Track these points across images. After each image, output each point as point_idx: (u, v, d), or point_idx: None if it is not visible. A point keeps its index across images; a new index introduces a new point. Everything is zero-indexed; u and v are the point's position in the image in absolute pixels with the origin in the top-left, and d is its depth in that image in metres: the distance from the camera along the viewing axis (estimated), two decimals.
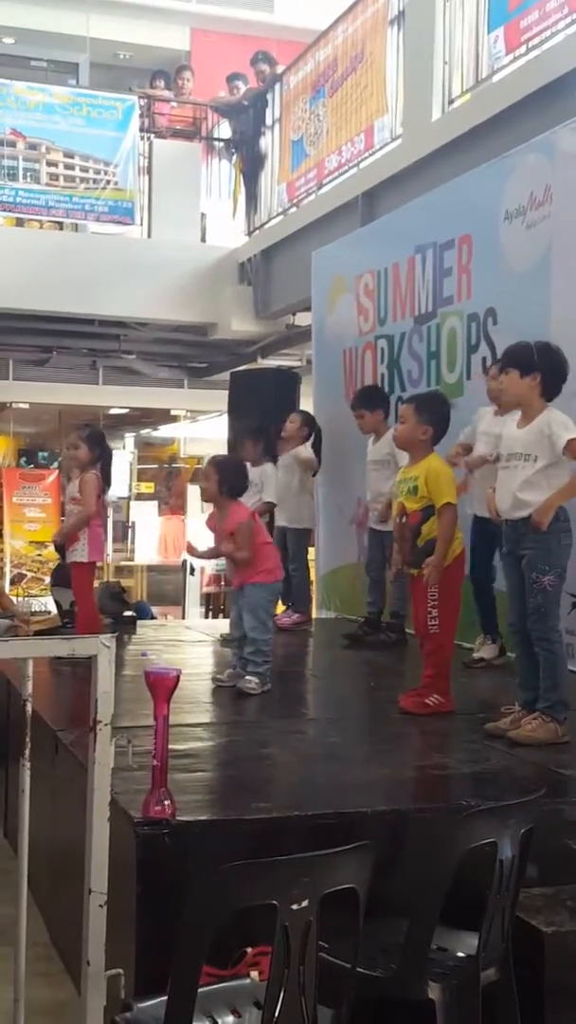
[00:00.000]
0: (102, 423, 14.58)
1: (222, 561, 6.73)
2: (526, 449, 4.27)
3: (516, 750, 4.14)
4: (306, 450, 7.63)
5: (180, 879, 2.93)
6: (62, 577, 9.91)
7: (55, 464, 15.40)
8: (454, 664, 5.07)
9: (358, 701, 5.64)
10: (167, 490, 16.24)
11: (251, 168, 11.42)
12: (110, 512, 8.16)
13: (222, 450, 8.52)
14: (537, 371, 4.30)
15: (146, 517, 15.41)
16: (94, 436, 6.51)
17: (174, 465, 15.95)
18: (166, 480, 16.47)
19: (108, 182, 10.81)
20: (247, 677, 5.20)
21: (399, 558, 5.00)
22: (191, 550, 6.32)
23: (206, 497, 5.59)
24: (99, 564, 6.99)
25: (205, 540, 5.79)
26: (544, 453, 4.22)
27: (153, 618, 9.34)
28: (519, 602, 4.35)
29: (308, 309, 9.35)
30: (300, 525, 7.67)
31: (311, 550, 8.32)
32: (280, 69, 10.97)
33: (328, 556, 8.51)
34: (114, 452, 7.05)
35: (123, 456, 16.15)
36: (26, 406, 13.90)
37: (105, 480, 6.35)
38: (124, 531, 15.29)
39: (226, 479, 5.29)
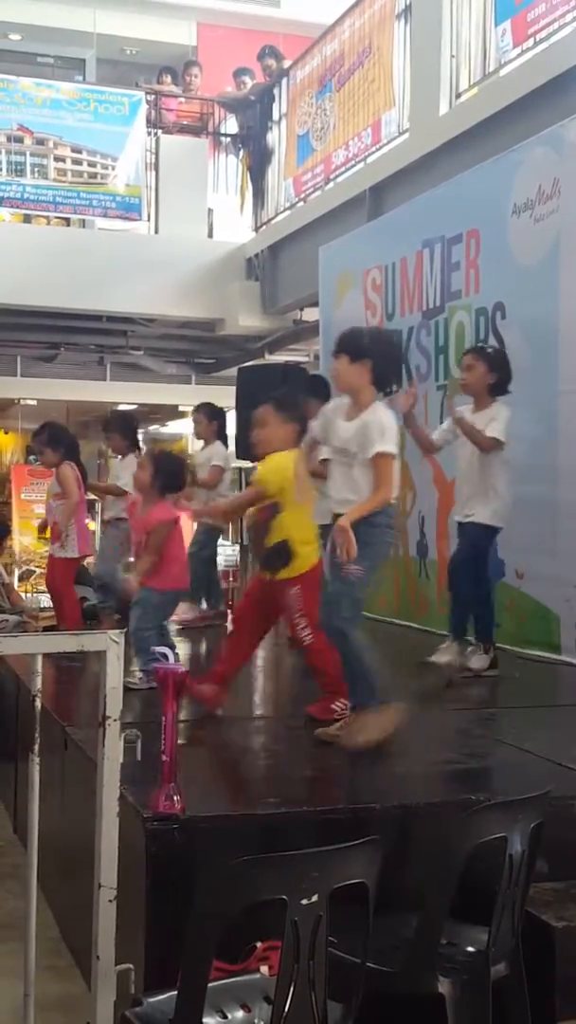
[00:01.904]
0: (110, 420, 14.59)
1: (232, 556, 6.72)
2: (348, 445, 4.07)
3: (526, 744, 4.14)
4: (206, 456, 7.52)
5: (190, 874, 2.93)
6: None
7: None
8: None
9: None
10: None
11: (258, 163, 11.41)
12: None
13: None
14: (368, 358, 4.12)
15: None
16: (53, 435, 6.52)
17: None
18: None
19: (115, 178, 10.81)
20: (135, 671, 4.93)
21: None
22: None
23: (138, 486, 5.34)
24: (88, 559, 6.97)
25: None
26: (361, 452, 4.02)
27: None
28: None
29: (315, 304, 9.35)
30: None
31: None
32: (287, 64, 10.96)
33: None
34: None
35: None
36: (34, 402, 13.90)
37: (79, 470, 6.35)
38: None
39: (161, 474, 5.09)
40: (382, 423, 4.00)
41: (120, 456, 7.04)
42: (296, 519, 4.42)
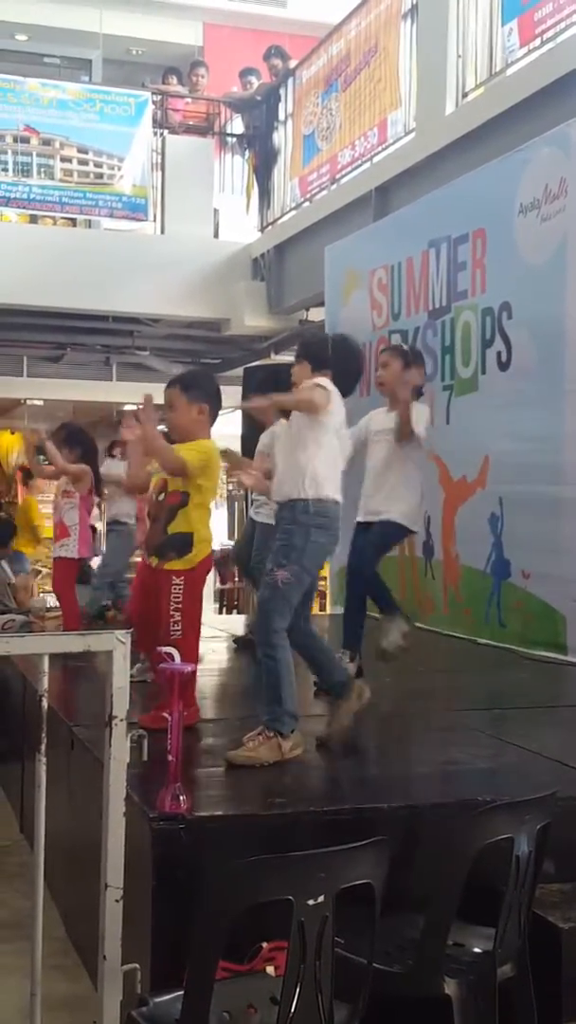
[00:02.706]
0: (116, 419, 14.59)
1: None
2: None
3: (532, 745, 4.13)
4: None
5: (196, 874, 2.94)
6: (79, 574, 9.96)
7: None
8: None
9: (373, 696, 5.62)
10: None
11: (264, 163, 11.41)
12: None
13: (235, 445, 8.49)
14: (328, 368, 4.10)
15: None
16: (71, 436, 6.53)
17: None
18: None
19: (121, 178, 10.82)
20: None
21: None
22: None
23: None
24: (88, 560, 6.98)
25: (218, 534, 5.77)
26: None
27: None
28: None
29: (321, 304, 9.34)
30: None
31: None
32: (293, 64, 10.96)
33: (339, 553, 8.49)
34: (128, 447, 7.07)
35: None
36: (40, 403, 13.92)
37: (92, 469, 6.37)
38: None
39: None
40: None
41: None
42: (202, 514, 4.28)
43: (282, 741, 3.80)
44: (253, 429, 8.05)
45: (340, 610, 8.44)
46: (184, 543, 4.17)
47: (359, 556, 5.36)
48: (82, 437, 6.55)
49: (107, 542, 7.32)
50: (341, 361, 4.19)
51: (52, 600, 9.29)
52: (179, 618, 4.13)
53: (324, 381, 4.00)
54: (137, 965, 2.67)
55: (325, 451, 3.98)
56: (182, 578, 4.15)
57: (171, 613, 4.12)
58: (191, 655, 4.06)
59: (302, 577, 3.89)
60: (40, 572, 14.00)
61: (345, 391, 4.11)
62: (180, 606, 4.13)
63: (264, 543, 6.82)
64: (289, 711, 3.82)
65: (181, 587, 4.14)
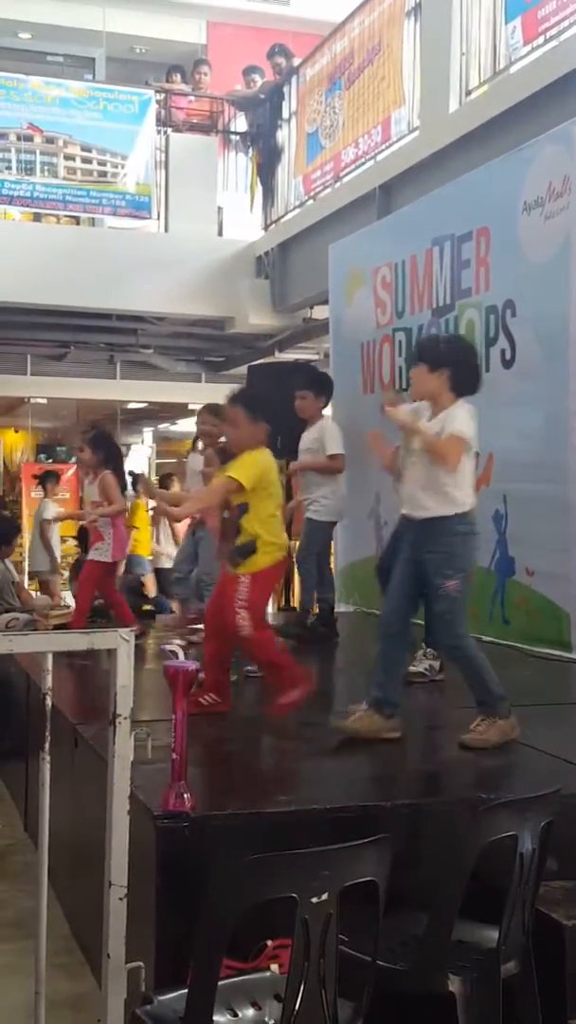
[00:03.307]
0: (120, 418, 14.61)
1: None
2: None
3: (536, 742, 4.13)
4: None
5: (200, 872, 2.94)
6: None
7: (73, 459, 15.43)
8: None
9: None
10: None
11: (268, 161, 11.40)
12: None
13: None
14: (445, 366, 4.15)
15: None
16: (98, 438, 6.55)
17: None
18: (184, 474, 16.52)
19: (125, 176, 10.82)
20: None
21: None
22: None
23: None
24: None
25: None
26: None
27: (171, 612, 9.35)
28: (401, 599, 4.23)
29: (325, 302, 9.34)
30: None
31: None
32: (297, 62, 10.95)
33: (347, 549, 8.50)
34: (133, 447, 7.10)
35: (142, 451, 16.14)
36: (44, 401, 13.94)
37: (118, 479, 6.40)
38: None
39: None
40: (459, 417, 4.08)
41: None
42: (264, 519, 4.49)
43: (504, 722, 4.05)
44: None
45: (342, 608, 8.47)
46: (249, 550, 4.45)
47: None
48: (108, 442, 6.60)
49: (200, 549, 7.07)
50: (457, 357, 4.24)
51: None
52: (245, 615, 4.38)
53: (462, 426, 4.05)
54: (141, 963, 2.67)
55: (464, 465, 4.11)
56: (247, 579, 4.42)
57: (238, 611, 4.39)
58: (270, 649, 4.54)
59: (467, 581, 4.12)
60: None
61: (468, 388, 4.19)
62: (244, 604, 4.39)
63: (312, 537, 6.81)
64: (499, 694, 4.08)
65: (246, 587, 4.41)
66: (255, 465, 4.48)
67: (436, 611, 4.18)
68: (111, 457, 6.50)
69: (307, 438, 6.75)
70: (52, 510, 11.58)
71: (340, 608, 8.43)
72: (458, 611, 4.11)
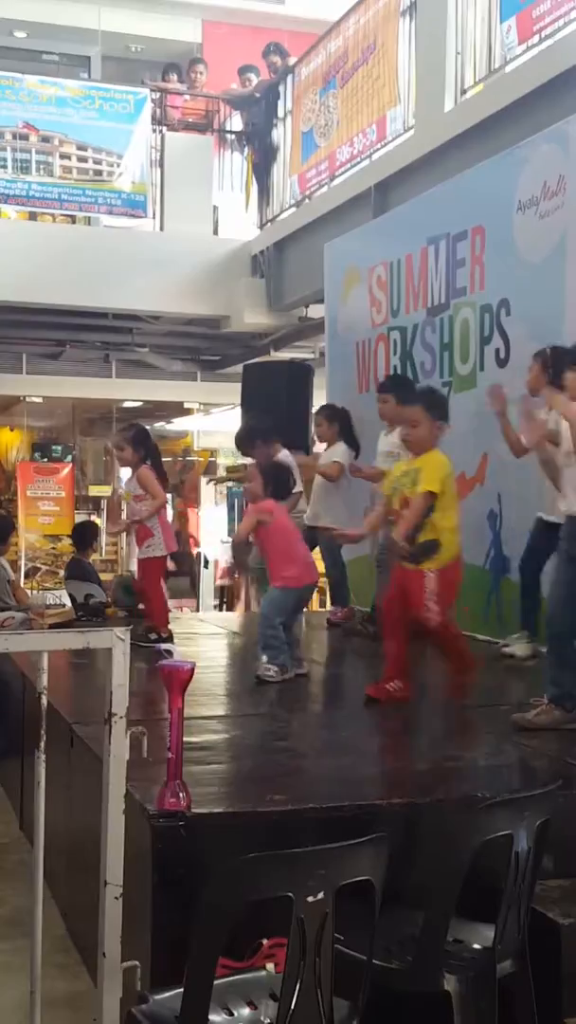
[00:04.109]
0: (115, 416, 14.60)
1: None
2: None
3: (532, 742, 4.14)
4: (328, 457, 7.47)
5: (195, 871, 2.94)
6: (76, 570, 9.98)
7: (69, 458, 15.44)
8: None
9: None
10: (180, 483, 16.28)
11: (263, 160, 11.40)
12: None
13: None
14: None
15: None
16: (138, 436, 6.54)
17: (188, 458, 15.95)
18: (180, 473, 16.51)
19: (120, 175, 10.81)
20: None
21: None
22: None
23: (250, 496, 5.76)
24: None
25: (218, 532, 5.87)
26: None
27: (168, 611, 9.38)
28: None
29: (321, 301, 9.34)
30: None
31: None
32: (292, 61, 10.95)
33: (344, 549, 8.50)
34: None
35: None
36: (40, 400, 13.92)
37: (158, 474, 6.38)
38: None
39: (271, 483, 5.54)
40: None
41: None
42: (446, 516, 4.74)
43: (562, 714, 4.22)
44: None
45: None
46: (432, 548, 4.69)
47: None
48: (148, 442, 6.59)
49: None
50: None
51: (51, 598, 9.30)
52: (433, 608, 4.66)
53: None
54: (137, 962, 2.68)
55: None
56: (435, 574, 4.68)
57: (426, 603, 4.66)
58: (457, 641, 4.92)
59: None
60: (40, 569, 14.04)
61: None
62: (433, 598, 4.67)
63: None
64: (572, 693, 4.26)
65: (435, 579, 4.67)
66: (442, 469, 4.77)
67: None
68: (149, 454, 6.50)
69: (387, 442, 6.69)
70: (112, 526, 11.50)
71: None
72: None
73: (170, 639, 6.13)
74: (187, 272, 10.92)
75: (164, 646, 3.53)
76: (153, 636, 6.10)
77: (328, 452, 7.30)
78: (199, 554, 13.64)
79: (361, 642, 6.72)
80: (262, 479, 5.53)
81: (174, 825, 3.05)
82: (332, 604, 7.74)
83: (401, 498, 4.92)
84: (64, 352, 12.38)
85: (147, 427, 7.32)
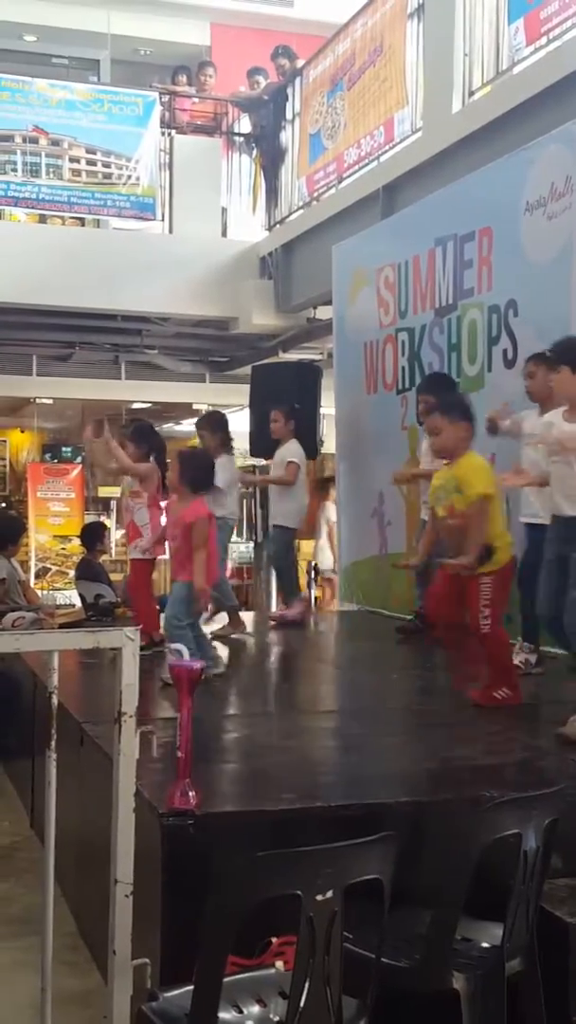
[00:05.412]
0: (125, 418, 14.62)
1: (246, 553, 6.73)
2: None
3: (540, 740, 4.14)
4: (281, 457, 7.57)
5: (205, 869, 2.95)
6: (86, 571, 10.01)
7: (79, 459, 15.46)
8: None
9: (381, 693, 5.66)
10: None
11: (271, 162, 11.42)
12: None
13: (244, 442, 8.53)
14: None
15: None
16: (140, 431, 6.47)
17: None
18: None
19: (129, 177, 10.84)
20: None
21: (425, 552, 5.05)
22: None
23: (170, 485, 5.68)
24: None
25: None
26: None
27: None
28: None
29: (329, 303, 9.35)
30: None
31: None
32: (300, 63, 10.97)
33: (351, 548, 8.52)
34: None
35: None
36: (50, 401, 13.95)
37: (161, 470, 6.29)
38: None
39: (188, 472, 5.34)
40: None
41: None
42: (495, 519, 4.69)
43: None
44: (261, 426, 8.10)
45: (346, 606, 8.48)
46: (487, 552, 4.61)
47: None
48: (151, 436, 6.51)
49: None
50: None
51: (61, 598, 9.33)
52: (488, 613, 4.61)
53: None
54: (147, 960, 2.69)
55: None
56: (491, 578, 4.63)
57: (482, 610, 4.60)
58: (503, 646, 4.83)
59: None
60: (50, 570, 14.07)
61: None
62: (489, 601, 4.62)
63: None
64: None
65: (490, 586, 4.62)
66: (483, 470, 4.71)
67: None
68: (153, 449, 6.42)
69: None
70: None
71: (344, 607, 8.47)
72: None
73: (161, 644, 5.73)
74: (196, 274, 10.94)
75: (175, 645, 3.53)
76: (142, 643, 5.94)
77: (281, 452, 7.40)
78: None
79: (365, 643, 6.74)
80: (180, 467, 5.38)
81: (184, 824, 3.07)
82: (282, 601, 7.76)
83: (447, 508, 4.78)
84: (74, 354, 12.40)
85: (151, 424, 7.27)
